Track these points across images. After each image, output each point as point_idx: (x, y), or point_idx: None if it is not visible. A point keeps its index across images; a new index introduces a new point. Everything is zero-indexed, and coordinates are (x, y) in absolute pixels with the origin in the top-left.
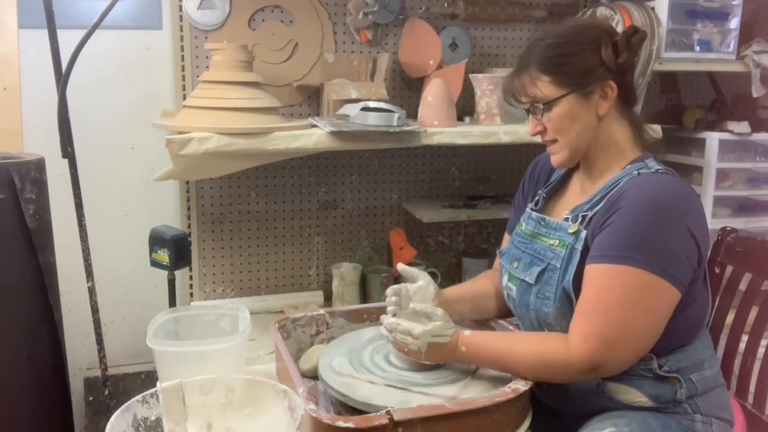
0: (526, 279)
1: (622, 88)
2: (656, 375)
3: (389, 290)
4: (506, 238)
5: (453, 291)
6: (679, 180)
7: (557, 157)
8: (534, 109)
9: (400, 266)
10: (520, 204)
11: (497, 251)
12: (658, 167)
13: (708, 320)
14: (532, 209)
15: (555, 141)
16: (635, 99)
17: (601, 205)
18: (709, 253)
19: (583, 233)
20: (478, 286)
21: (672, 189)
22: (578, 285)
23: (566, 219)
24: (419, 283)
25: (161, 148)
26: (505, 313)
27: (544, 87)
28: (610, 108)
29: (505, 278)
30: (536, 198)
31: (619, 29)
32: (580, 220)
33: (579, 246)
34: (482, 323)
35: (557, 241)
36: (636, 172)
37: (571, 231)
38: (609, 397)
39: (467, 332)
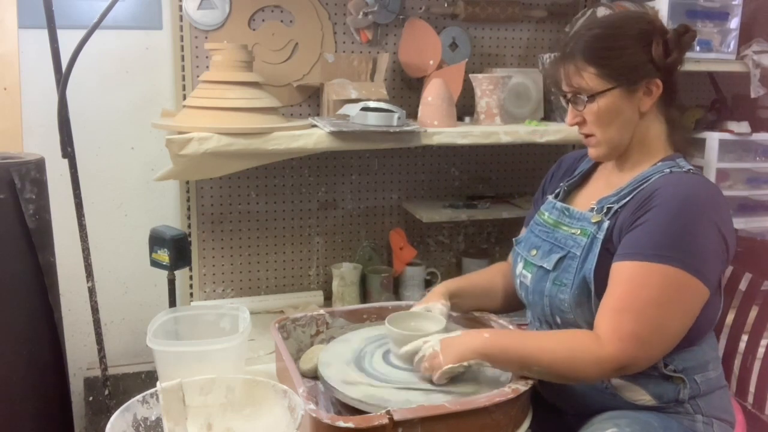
0: (544, 265)
1: (666, 86)
2: (661, 374)
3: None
4: (524, 231)
5: (457, 284)
6: (708, 181)
7: (596, 150)
8: (576, 100)
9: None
10: (540, 200)
11: (514, 240)
12: (690, 167)
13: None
14: (554, 199)
15: (593, 134)
16: (677, 97)
17: (629, 199)
18: (733, 255)
19: (606, 223)
20: (486, 280)
21: (704, 189)
22: (598, 275)
23: (591, 209)
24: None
25: (161, 148)
26: (508, 310)
27: (590, 79)
28: (653, 105)
29: (520, 266)
30: (557, 190)
31: None
32: (605, 211)
33: (600, 236)
34: (481, 322)
35: (579, 230)
36: (668, 170)
37: (594, 221)
38: (612, 394)
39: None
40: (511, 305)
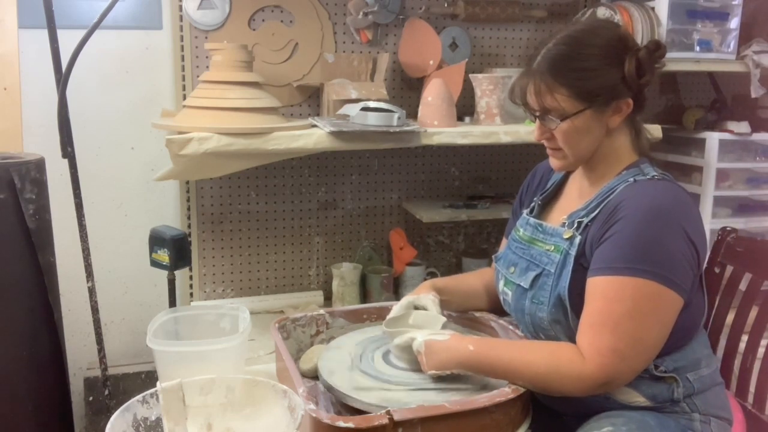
0: (522, 284)
1: (636, 102)
2: (653, 375)
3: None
4: (504, 242)
5: (443, 282)
6: (674, 185)
7: (561, 163)
8: (546, 119)
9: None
10: (518, 211)
11: (493, 256)
12: (654, 173)
13: (708, 321)
14: (528, 215)
15: (561, 149)
16: (644, 108)
17: (597, 212)
18: (706, 256)
19: (578, 239)
20: (470, 283)
21: (669, 196)
22: (574, 292)
23: (563, 224)
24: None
25: (161, 148)
26: (494, 312)
27: (562, 100)
28: (622, 121)
29: (501, 283)
30: (532, 204)
31: None
32: (575, 225)
33: (573, 252)
34: (481, 322)
35: (552, 247)
36: (632, 179)
37: (566, 236)
38: (606, 398)
39: (475, 337)
40: (498, 309)
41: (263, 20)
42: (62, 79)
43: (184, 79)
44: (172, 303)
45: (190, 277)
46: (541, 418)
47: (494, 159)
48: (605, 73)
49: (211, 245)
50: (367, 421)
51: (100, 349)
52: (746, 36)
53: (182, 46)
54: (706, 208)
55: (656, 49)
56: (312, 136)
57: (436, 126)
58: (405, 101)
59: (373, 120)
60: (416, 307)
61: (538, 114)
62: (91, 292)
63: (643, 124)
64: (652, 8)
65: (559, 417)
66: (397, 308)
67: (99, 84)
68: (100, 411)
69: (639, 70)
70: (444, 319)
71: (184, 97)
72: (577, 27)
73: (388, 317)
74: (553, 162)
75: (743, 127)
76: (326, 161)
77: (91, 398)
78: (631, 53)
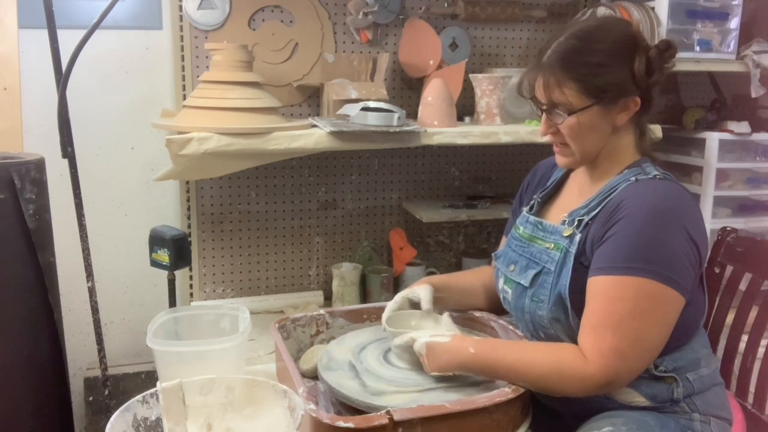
0: (522, 282)
1: (644, 101)
2: (652, 375)
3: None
4: (503, 240)
5: (440, 279)
6: (676, 185)
7: (567, 160)
8: (553, 113)
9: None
10: (518, 209)
11: (493, 254)
12: (656, 172)
13: (708, 321)
14: (528, 213)
15: (567, 145)
16: (651, 108)
17: (598, 210)
18: (707, 255)
19: (578, 236)
20: (468, 281)
21: (670, 195)
22: (574, 290)
23: (563, 222)
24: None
25: (161, 148)
26: (492, 310)
27: (570, 94)
28: (628, 120)
29: (501, 281)
30: (531, 202)
31: None
32: (576, 223)
33: (573, 249)
34: (481, 322)
35: (552, 245)
36: (633, 178)
37: (565, 234)
38: (607, 398)
39: (476, 338)
40: (496, 308)
41: (263, 20)
42: (62, 79)
43: (184, 79)
44: (172, 303)
45: (190, 277)
46: (541, 418)
47: (494, 159)
48: (615, 70)
49: (211, 245)
50: (367, 421)
51: (100, 349)
52: (746, 36)
53: (182, 46)
54: (706, 208)
55: (666, 48)
56: (312, 136)
57: (436, 126)
58: (405, 101)
59: (373, 120)
60: (411, 301)
61: (545, 108)
62: (91, 292)
63: (647, 125)
64: (652, 8)
65: (559, 417)
66: (392, 304)
67: (99, 84)
68: (100, 411)
69: (649, 69)
70: (442, 316)
71: (184, 97)
72: (589, 22)
73: (385, 314)
74: (560, 159)
75: (743, 127)
76: (326, 161)
77: (91, 398)
78: (641, 51)
